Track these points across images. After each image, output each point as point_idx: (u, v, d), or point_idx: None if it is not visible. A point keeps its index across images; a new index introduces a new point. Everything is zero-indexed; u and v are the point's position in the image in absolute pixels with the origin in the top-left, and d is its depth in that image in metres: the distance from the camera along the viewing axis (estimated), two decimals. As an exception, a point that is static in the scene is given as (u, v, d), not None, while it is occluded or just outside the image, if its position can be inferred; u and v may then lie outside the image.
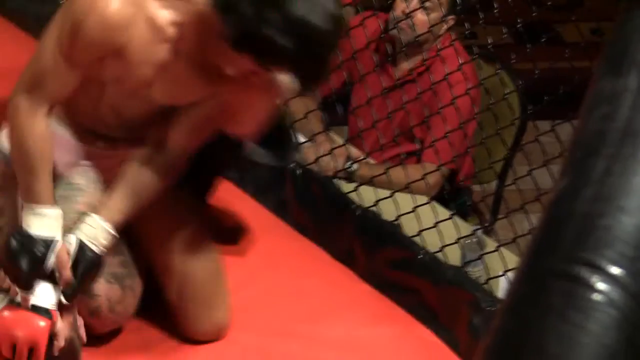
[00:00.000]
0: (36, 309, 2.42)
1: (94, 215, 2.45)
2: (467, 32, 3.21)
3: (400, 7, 3.19)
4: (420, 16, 3.13)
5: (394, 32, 3.22)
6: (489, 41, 3.07)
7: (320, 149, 3.19)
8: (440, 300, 2.83)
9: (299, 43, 2.13)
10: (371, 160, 3.22)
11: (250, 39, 2.14)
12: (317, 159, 3.16)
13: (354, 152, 3.24)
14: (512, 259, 2.79)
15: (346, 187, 3.12)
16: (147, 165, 2.50)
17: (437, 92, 3.14)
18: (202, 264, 2.67)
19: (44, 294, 2.43)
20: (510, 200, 3.05)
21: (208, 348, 2.75)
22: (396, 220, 2.90)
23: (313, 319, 2.84)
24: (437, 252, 2.81)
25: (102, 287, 2.58)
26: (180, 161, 2.52)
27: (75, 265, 2.44)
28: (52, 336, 2.44)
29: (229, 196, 3.17)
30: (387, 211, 2.96)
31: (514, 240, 2.74)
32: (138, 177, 2.52)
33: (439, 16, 3.16)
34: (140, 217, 2.59)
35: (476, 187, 3.52)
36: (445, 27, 3.18)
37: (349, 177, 3.13)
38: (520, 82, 3.23)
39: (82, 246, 2.43)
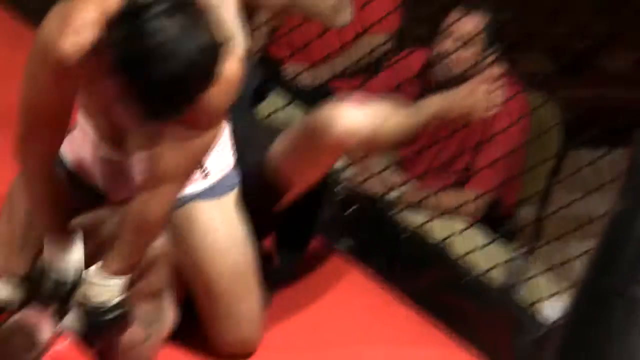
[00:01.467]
0: None
1: (93, 272, 2.41)
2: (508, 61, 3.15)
3: (438, 47, 3.21)
4: (460, 53, 3.14)
5: (439, 73, 3.22)
6: (531, 71, 3.11)
7: (363, 174, 3.15)
8: (484, 323, 2.79)
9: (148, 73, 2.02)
10: (412, 187, 3.20)
11: (122, 63, 2.03)
12: (361, 183, 3.13)
13: (396, 178, 3.22)
14: (551, 285, 2.77)
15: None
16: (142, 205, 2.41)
17: (488, 122, 3.11)
18: (233, 276, 2.61)
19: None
20: (551, 226, 3.02)
21: None
22: (442, 242, 2.88)
23: (353, 340, 2.79)
24: (482, 274, 2.78)
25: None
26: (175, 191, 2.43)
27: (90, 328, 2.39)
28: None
29: None
30: (434, 234, 2.97)
31: (561, 264, 2.70)
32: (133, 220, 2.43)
33: (478, 50, 3.15)
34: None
35: (522, 212, 3.47)
36: (487, 62, 3.16)
37: (393, 202, 3.11)
38: (565, 113, 3.21)
39: (88, 312, 2.38)
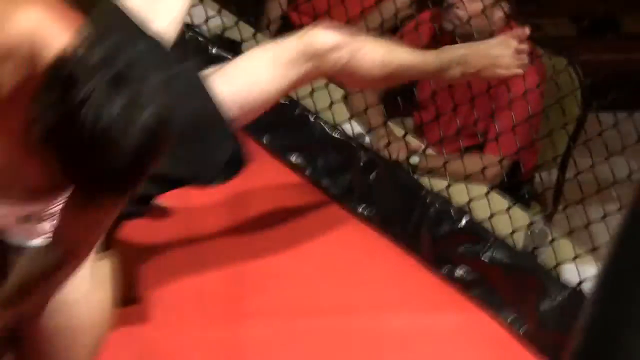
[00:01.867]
0: None
1: None
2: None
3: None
4: (471, 6, 3.12)
5: (448, 26, 3.19)
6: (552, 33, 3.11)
7: (380, 142, 3.18)
8: (507, 287, 2.82)
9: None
10: (431, 152, 3.21)
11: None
12: (382, 149, 3.14)
13: (414, 144, 3.23)
14: (572, 249, 2.79)
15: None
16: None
17: (504, 84, 3.09)
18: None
19: None
20: (571, 190, 3.01)
21: (269, 329, 2.75)
22: (462, 207, 2.91)
23: (377, 307, 2.85)
24: (503, 239, 2.80)
25: None
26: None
27: None
28: None
29: (291, 182, 3.22)
30: (454, 199, 2.99)
31: (584, 227, 2.73)
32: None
33: (489, 4, 3.12)
34: None
35: (540, 177, 3.49)
36: (500, 14, 3.14)
37: (411, 169, 3.13)
38: (585, 78, 3.18)
39: None
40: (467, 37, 3.16)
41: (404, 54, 2.76)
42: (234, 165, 2.76)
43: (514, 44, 2.71)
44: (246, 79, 2.64)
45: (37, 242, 2.28)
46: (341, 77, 2.80)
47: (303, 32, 2.64)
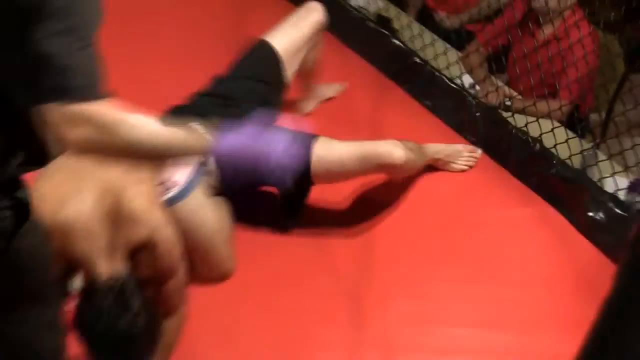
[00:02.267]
0: None
1: None
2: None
3: None
4: None
5: (535, 5, 3.64)
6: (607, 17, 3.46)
7: (483, 91, 3.61)
8: (567, 193, 3.21)
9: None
10: (519, 97, 3.61)
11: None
12: (484, 96, 3.55)
13: (509, 91, 3.67)
14: (610, 168, 3.12)
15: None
16: None
17: (572, 49, 3.52)
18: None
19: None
20: (613, 128, 3.26)
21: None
22: (539, 137, 3.30)
23: (472, 204, 3.30)
24: (565, 159, 3.20)
25: None
26: None
27: None
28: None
29: (424, 116, 3.69)
30: (530, 132, 3.37)
31: (619, 153, 3.10)
32: None
33: None
34: None
35: (593, 116, 3.81)
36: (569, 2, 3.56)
37: (506, 108, 3.54)
38: (628, 48, 3.59)
39: None
40: (545, 13, 3.63)
41: (419, 157, 3.16)
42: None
43: (467, 153, 3.36)
44: (336, 158, 2.96)
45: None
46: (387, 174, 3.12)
47: (385, 144, 2.96)
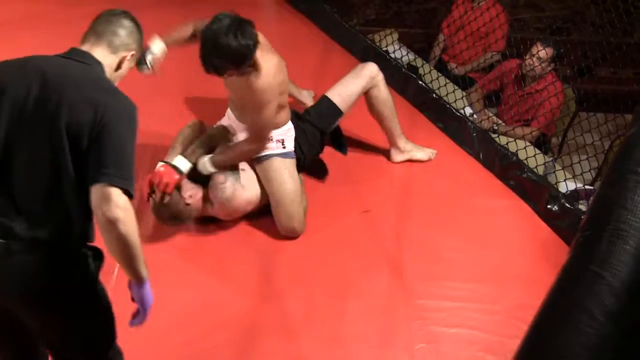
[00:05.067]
0: (176, 168, 3.12)
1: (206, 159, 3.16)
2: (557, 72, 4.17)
3: (528, 61, 4.16)
4: (538, 64, 4.17)
5: (526, 71, 4.21)
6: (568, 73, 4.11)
7: (479, 119, 4.24)
8: (533, 191, 3.70)
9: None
10: (503, 124, 4.17)
11: None
12: (480, 122, 4.15)
13: (497, 119, 4.28)
14: (563, 175, 3.64)
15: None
16: None
17: (545, 91, 4.10)
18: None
19: (183, 163, 3.10)
20: (567, 148, 3.82)
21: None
22: (515, 152, 3.84)
23: (467, 195, 3.73)
24: (533, 168, 3.71)
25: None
26: None
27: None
28: (178, 188, 3.08)
29: (440, 138, 4.13)
30: (510, 148, 3.89)
31: (570, 165, 3.59)
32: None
33: (546, 66, 4.13)
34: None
35: (553, 140, 4.33)
36: (549, 69, 4.21)
37: (494, 131, 4.11)
38: (578, 94, 4.18)
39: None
40: (532, 76, 4.14)
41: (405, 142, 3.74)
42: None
43: (434, 156, 3.82)
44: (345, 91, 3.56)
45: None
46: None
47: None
